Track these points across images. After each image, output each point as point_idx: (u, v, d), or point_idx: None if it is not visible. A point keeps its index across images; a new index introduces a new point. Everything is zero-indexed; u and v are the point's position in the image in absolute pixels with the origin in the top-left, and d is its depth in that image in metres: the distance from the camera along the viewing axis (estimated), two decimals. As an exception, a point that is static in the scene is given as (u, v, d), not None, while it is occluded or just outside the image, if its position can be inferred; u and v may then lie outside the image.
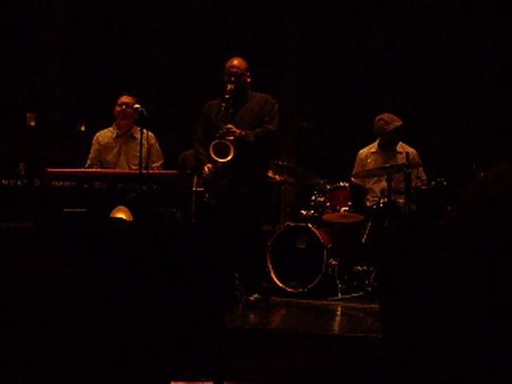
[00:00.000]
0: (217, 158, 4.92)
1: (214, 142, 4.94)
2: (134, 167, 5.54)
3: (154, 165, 5.69)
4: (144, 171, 5.02)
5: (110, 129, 5.85)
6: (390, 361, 2.86)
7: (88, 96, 8.63)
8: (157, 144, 5.80)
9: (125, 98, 5.74)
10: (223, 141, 4.93)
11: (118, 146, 5.77)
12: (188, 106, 8.11)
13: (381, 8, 8.50)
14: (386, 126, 6.05)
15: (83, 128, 9.21)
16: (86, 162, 5.78)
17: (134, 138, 5.70)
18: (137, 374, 2.88)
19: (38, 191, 5.01)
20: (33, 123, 9.06)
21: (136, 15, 9.17)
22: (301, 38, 8.78)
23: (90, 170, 5.55)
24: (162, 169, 5.73)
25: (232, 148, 4.90)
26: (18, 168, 5.08)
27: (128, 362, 2.83)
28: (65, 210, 4.89)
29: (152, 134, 5.73)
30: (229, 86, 5.02)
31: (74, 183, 4.98)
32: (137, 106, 5.45)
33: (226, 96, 5.01)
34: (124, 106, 5.72)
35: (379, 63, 8.44)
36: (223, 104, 5.03)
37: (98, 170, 5.55)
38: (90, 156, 5.80)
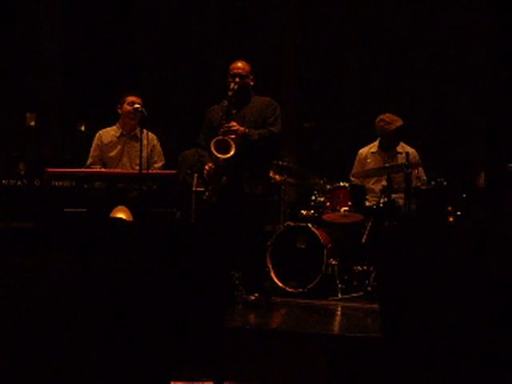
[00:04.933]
0: (218, 154, 4.92)
1: (215, 139, 4.94)
2: (136, 167, 5.51)
3: (155, 165, 5.68)
4: (144, 171, 5.01)
5: (114, 128, 5.81)
6: (390, 361, 2.86)
7: (88, 96, 8.63)
8: (159, 145, 5.78)
9: (133, 98, 5.68)
10: (225, 138, 4.93)
11: (121, 145, 5.73)
12: (188, 106, 8.12)
13: (381, 9, 8.50)
14: (387, 127, 6.05)
15: (83, 128, 9.23)
16: (86, 161, 5.75)
17: (137, 138, 5.64)
18: (137, 374, 2.88)
19: (38, 191, 5.01)
20: (33, 123, 9.07)
21: (136, 16, 9.18)
22: (302, 39, 8.79)
23: (90, 169, 5.54)
24: (162, 169, 5.71)
25: (233, 145, 4.90)
26: (17, 168, 5.08)
27: (128, 361, 2.83)
28: (65, 209, 4.89)
29: (154, 136, 5.71)
30: (232, 85, 5.03)
31: (73, 183, 4.97)
32: (137, 106, 5.44)
33: (230, 94, 5.02)
34: (134, 105, 5.66)
35: (379, 64, 8.45)
36: (226, 102, 5.04)
37: (98, 170, 5.53)
38: (92, 154, 5.75)
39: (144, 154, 5.09)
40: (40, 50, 8.75)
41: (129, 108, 5.67)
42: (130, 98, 5.67)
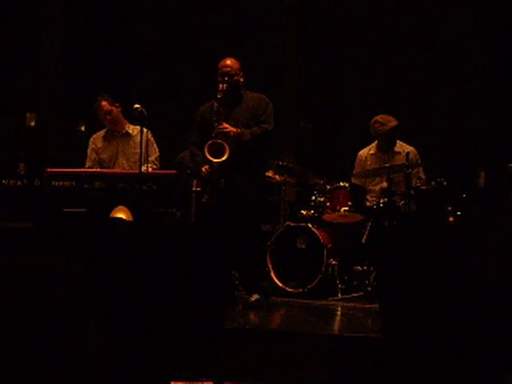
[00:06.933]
0: (212, 158, 4.90)
1: (209, 142, 4.92)
2: (132, 164, 5.59)
3: (150, 158, 5.68)
4: (144, 169, 5.03)
5: (105, 129, 5.89)
6: (390, 361, 2.86)
7: (88, 96, 8.62)
8: (152, 138, 5.80)
9: (98, 104, 5.75)
10: (218, 141, 4.91)
11: (115, 145, 5.81)
12: (188, 106, 8.11)
13: (381, 9, 8.50)
14: (381, 128, 6.03)
15: (83, 128, 9.22)
16: (84, 164, 5.79)
17: (129, 135, 5.78)
18: (137, 374, 2.88)
19: (37, 191, 5.01)
20: (33, 123, 9.07)
21: (136, 16, 9.18)
22: (302, 39, 8.78)
23: (90, 169, 5.57)
24: (159, 164, 5.74)
25: (227, 148, 4.88)
26: (18, 168, 5.08)
27: (128, 361, 2.83)
28: (65, 209, 4.89)
29: (147, 130, 5.74)
30: (221, 86, 5.00)
31: (73, 183, 4.98)
32: (136, 106, 5.45)
33: (219, 96, 5.00)
34: (107, 115, 5.75)
35: (379, 63, 8.44)
36: (216, 104, 5.01)
37: (98, 169, 5.56)
38: (89, 158, 5.83)
39: (141, 151, 5.10)
40: (40, 50, 8.75)
41: (100, 116, 5.77)
42: (96, 106, 5.74)
